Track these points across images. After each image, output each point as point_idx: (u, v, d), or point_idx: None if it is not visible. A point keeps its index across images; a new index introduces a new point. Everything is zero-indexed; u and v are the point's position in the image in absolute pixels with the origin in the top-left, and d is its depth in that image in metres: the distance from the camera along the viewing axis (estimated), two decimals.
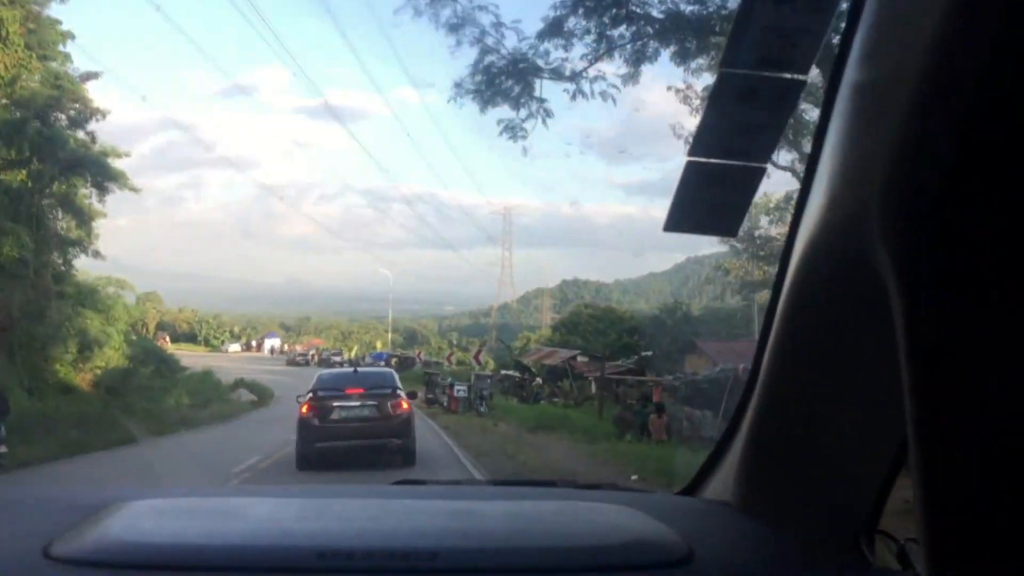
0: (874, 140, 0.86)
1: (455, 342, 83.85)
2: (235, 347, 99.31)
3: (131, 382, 33.09)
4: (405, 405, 14.35)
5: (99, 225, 31.10)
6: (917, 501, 0.77)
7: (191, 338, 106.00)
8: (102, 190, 29.45)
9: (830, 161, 1.02)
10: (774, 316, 1.33)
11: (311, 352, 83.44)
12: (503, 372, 38.74)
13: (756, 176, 1.27)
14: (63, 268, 30.27)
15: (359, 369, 17.52)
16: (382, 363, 58.70)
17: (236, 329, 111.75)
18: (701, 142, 1.24)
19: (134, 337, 38.73)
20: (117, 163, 30.22)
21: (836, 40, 1.05)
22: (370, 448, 13.54)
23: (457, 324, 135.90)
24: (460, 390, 29.83)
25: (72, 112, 27.80)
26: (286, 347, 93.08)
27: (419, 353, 63.52)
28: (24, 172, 26.60)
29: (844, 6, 1.06)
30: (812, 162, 1.13)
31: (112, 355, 32.23)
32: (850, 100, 0.97)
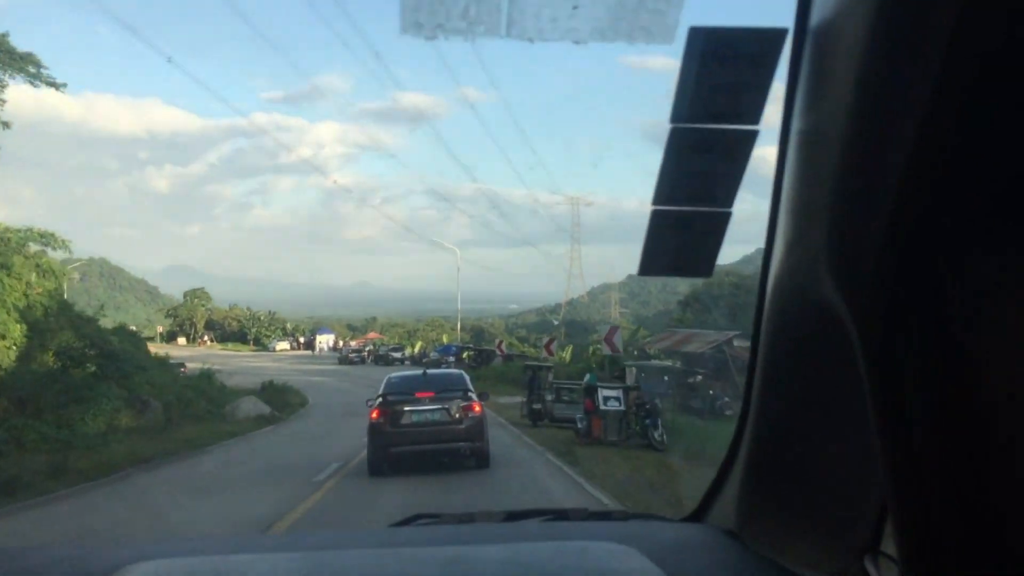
0: (819, 186, 0.89)
1: (524, 338, 69.98)
2: (283, 345, 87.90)
3: (43, 394, 19.87)
4: (477, 408, 13.15)
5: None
6: (891, 521, 0.82)
7: (241, 337, 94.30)
8: None
9: (786, 206, 1.05)
10: (757, 347, 1.32)
11: (367, 348, 71.92)
12: (654, 363, 22.69)
13: (722, 220, 1.23)
14: None
15: (429, 372, 15.56)
16: (451, 358, 49.31)
17: (289, 326, 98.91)
18: (663, 191, 1.20)
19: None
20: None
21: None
22: (443, 452, 12.76)
23: (524, 321, 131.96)
24: (611, 398, 14.44)
25: None
26: (340, 343, 79.88)
27: (500, 344, 51.22)
28: None
29: (787, 55, 1.04)
30: (774, 206, 1.15)
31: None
32: (797, 148, 0.99)
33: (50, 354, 21.35)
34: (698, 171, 1.19)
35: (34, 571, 1.60)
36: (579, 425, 15.93)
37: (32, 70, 21.11)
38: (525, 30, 1.01)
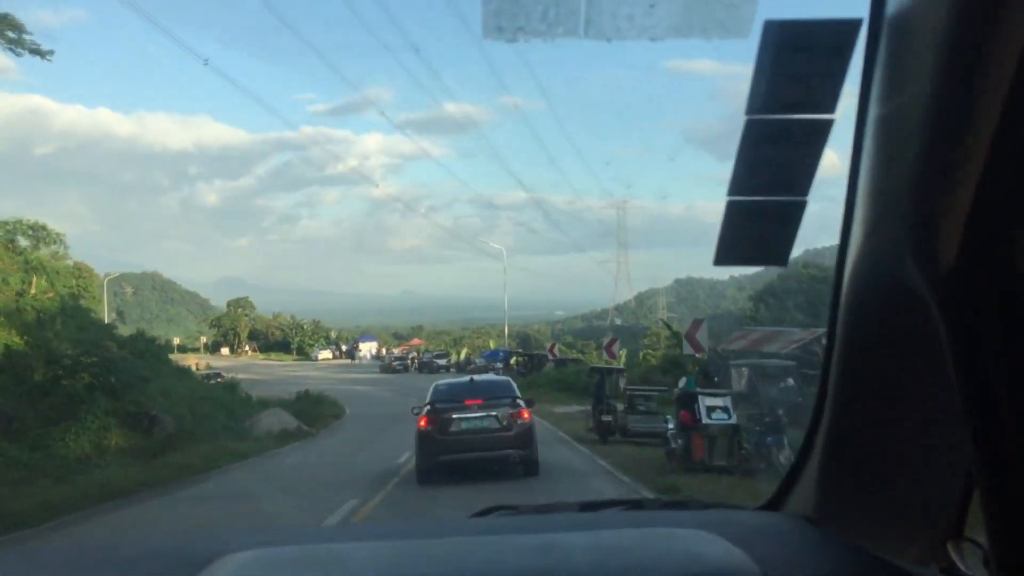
0: (901, 173, 0.90)
1: (571, 344, 65.97)
2: (326, 354, 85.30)
3: (29, 411, 17.51)
4: (526, 415, 12.74)
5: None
6: (983, 510, 0.81)
7: (284, 347, 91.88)
8: None
9: (864, 195, 1.05)
10: (835, 333, 1.31)
11: (410, 356, 68.67)
12: (773, 361, 18.31)
13: (798, 209, 1.25)
14: None
15: (475, 378, 14.41)
16: (498, 364, 46.94)
17: (333, 335, 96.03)
18: (738, 181, 1.22)
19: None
20: None
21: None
22: (493, 460, 12.33)
23: (570, 327, 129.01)
24: (718, 408, 10.60)
25: None
26: (383, 351, 77.01)
27: (552, 347, 46.42)
28: None
29: (862, 44, 1.06)
30: (850, 195, 1.14)
31: None
32: (875, 136, 1.00)
33: (41, 363, 18.17)
34: (773, 161, 1.19)
35: (131, 562, 1.60)
36: (672, 444, 12.15)
37: (11, 35, 18.03)
38: (603, 30, 1.01)
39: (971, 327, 0.78)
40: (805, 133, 1.16)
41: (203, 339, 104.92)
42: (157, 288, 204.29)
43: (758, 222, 1.24)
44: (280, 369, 67.24)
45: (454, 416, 12.46)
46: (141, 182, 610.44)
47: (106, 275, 67.27)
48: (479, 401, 12.72)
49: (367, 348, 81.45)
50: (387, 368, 61.79)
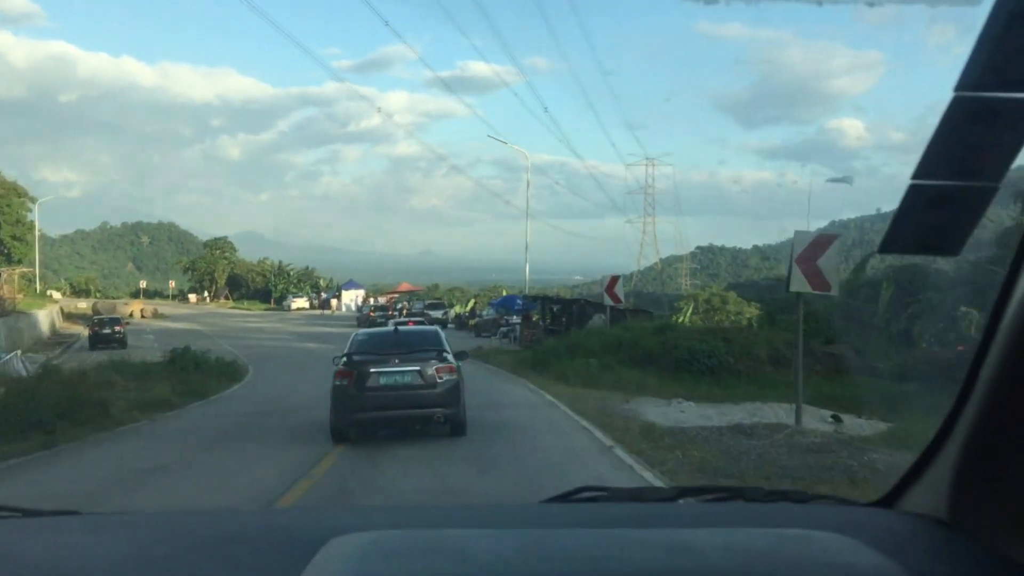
0: None
1: None
2: (301, 303, 75.17)
3: None
4: (453, 370, 11.40)
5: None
6: None
7: (265, 295, 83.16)
8: None
9: None
10: (1000, 320, 1.24)
11: (398, 305, 57.38)
12: None
13: (987, 195, 1.16)
14: None
15: (400, 328, 13.13)
16: (514, 316, 38.55)
17: (322, 283, 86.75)
18: (928, 165, 1.13)
19: None
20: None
21: None
22: (414, 419, 11.18)
23: (589, 292, 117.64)
24: None
25: None
26: (369, 300, 66.34)
27: (613, 285, 24.24)
28: None
29: None
30: None
31: None
32: None
33: None
34: (975, 143, 1.10)
35: (239, 538, 1.55)
36: None
37: None
38: None
39: None
40: (1017, 113, 1.05)
41: (171, 284, 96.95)
42: (173, 239, 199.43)
43: (942, 208, 1.14)
44: (236, 320, 58.71)
45: (372, 370, 11.10)
46: (164, 133, 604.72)
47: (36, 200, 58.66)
48: (402, 354, 11.37)
49: (350, 297, 70.99)
50: (365, 321, 45.80)
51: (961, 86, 1.05)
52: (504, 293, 55.47)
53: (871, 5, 0.92)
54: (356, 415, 10.96)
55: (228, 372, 24.01)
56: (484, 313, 45.71)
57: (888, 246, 1.19)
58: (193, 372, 22.13)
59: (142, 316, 59.70)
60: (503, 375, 22.44)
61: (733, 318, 35.65)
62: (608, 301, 23.59)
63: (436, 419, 11.05)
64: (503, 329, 38.14)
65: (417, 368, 11.11)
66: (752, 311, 35.30)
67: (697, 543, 1.32)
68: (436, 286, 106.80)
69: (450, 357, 11.59)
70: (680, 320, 31.06)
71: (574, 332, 26.34)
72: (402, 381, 11.03)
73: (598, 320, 27.82)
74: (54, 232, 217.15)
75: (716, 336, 20.04)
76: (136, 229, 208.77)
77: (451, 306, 56.36)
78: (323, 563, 1.23)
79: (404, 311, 51.76)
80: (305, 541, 1.37)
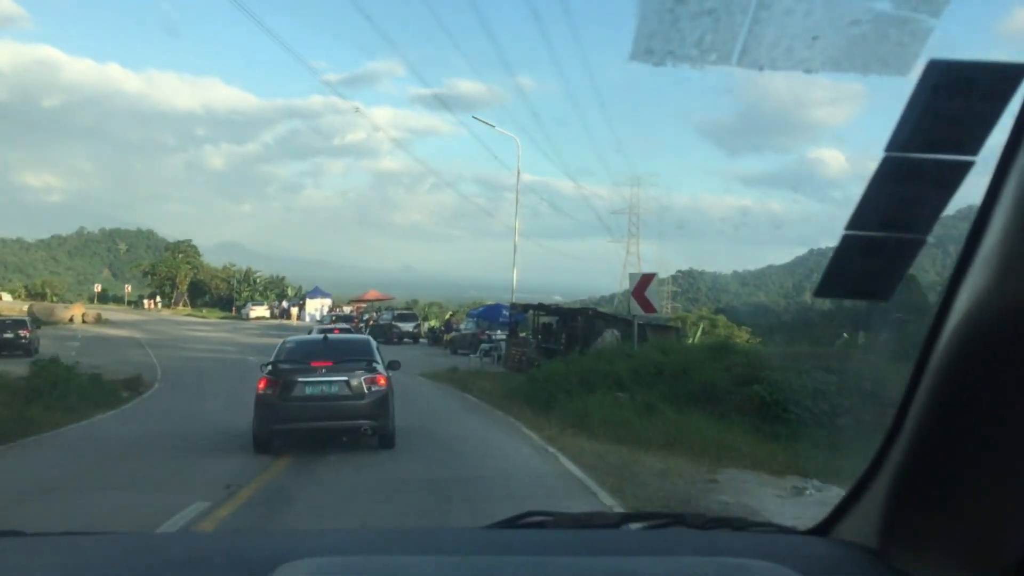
0: None
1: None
2: (260, 311, 68.25)
3: None
4: (382, 381, 10.79)
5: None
6: None
7: (226, 303, 75.64)
8: None
9: (998, 236, 1.05)
10: (930, 357, 1.25)
11: (365, 315, 50.63)
12: None
13: (915, 247, 1.21)
14: None
15: (330, 337, 12.52)
16: (498, 332, 32.11)
17: (290, 292, 79.40)
18: (861, 217, 1.19)
19: None
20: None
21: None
22: (340, 431, 10.66)
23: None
24: None
25: None
26: (336, 310, 58.86)
27: (644, 285, 16.41)
28: None
29: (1021, 92, 1.04)
30: (975, 233, 1.12)
31: None
32: (1020, 177, 1.00)
33: None
34: (903, 198, 1.16)
35: (196, 561, 1.53)
36: None
37: None
38: (757, 60, 0.97)
39: None
40: (942, 174, 1.12)
41: (127, 288, 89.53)
42: (151, 247, 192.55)
43: (872, 257, 1.19)
44: (184, 328, 52.12)
45: (298, 379, 10.52)
46: (147, 141, 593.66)
47: None
48: (329, 363, 10.71)
49: (315, 306, 62.11)
50: (326, 332, 38.10)
51: (891, 147, 1.10)
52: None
53: (807, 72, 0.98)
54: (279, 425, 10.41)
55: (105, 393, 17.76)
56: (462, 327, 37.53)
57: (822, 291, 1.24)
58: (49, 393, 15.68)
59: (83, 321, 53.69)
60: (486, 413, 15.73)
61: None
62: (636, 310, 16.56)
63: (363, 431, 10.56)
64: (485, 346, 30.88)
65: (345, 378, 10.58)
66: (742, 335, 34.10)
67: (639, 571, 1.34)
68: (415, 301, 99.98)
69: (380, 367, 11.03)
70: (691, 343, 24.82)
71: (578, 353, 19.89)
72: (329, 391, 10.52)
73: (609, 337, 21.63)
74: (31, 237, 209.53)
75: (810, 362, 13.00)
76: (114, 235, 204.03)
77: (425, 319, 49.19)
78: None
79: (371, 322, 44.80)
80: (255, 566, 1.37)
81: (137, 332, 45.16)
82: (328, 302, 62.85)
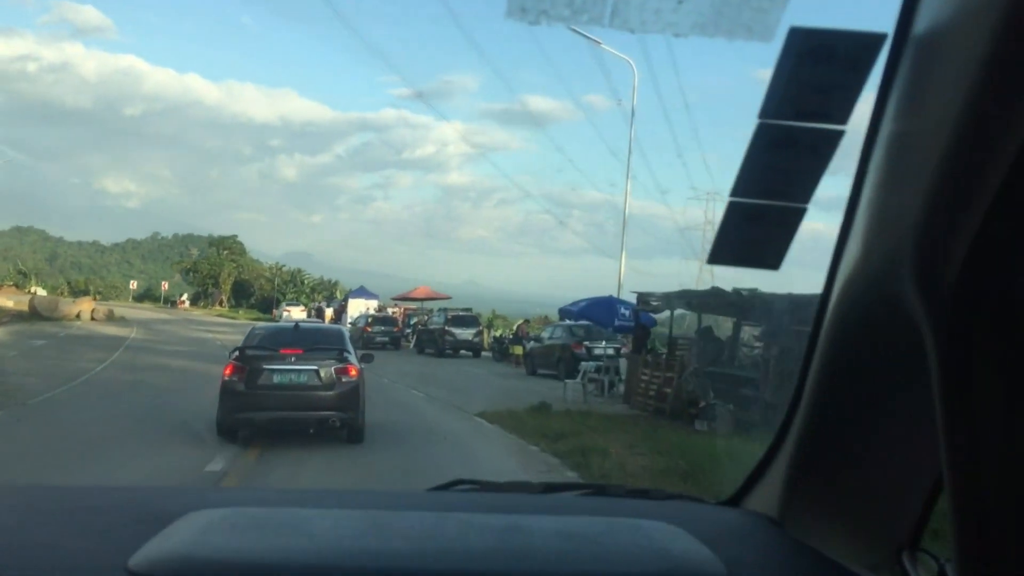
0: (909, 190, 0.86)
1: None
2: (296, 311, 58.31)
3: None
4: (353, 372, 10.51)
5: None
6: (951, 523, 0.80)
7: (267, 305, 67.17)
8: None
9: (867, 208, 1.03)
10: (817, 339, 1.29)
11: (413, 320, 39.89)
12: None
13: (796, 216, 1.22)
14: None
15: (300, 324, 12.01)
16: (618, 328, 21.20)
17: (339, 294, 70.63)
18: (742, 184, 1.20)
19: None
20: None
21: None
22: (307, 421, 10.33)
23: None
24: None
25: None
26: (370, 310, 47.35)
27: None
28: None
29: (882, 60, 1.03)
30: (851, 207, 1.12)
31: None
32: (886, 150, 0.98)
33: None
34: (780, 167, 1.17)
35: (99, 510, 1.52)
36: None
37: None
38: (628, 21, 0.97)
39: (966, 348, 0.77)
40: (815, 142, 1.13)
41: (164, 286, 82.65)
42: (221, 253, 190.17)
43: (757, 225, 1.20)
44: (194, 329, 44.13)
45: (265, 367, 10.21)
46: (223, 150, 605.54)
47: None
48: (299, 352, 10.38)
49: (358, 308, 50.23)
50: (362, 340, 29.79)
51: (763, 113, 1.10)
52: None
53: (676, 36, 0.96)
54: (244, 413, 10.06)
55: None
56: (544, 335, 25.51)
57: (714, 258, 1.23)
58: None
59: (92, 318, 45.90)
60: None
61: None
62: None
63: (331, 423, 10.19)
64: (588, 365, 18.66)
65: (315, 367, 10.30)
66: None
67: (531, 527, 1.38)
68: (479, 314, 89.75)
69: (352, 358, 10.77)
70: None
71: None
72: (297, 380, 10.21)
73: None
74: (107, 240, 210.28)
75: None
76: (187, 241, 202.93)
77: (490, 326, 38.57)
78: (171, 533, 1.26)
79: (420, 325, 34.58)
80: (165, 515, 1.37)
81: (136, 332, 38.17)
82: (374, 303, 52.35)
